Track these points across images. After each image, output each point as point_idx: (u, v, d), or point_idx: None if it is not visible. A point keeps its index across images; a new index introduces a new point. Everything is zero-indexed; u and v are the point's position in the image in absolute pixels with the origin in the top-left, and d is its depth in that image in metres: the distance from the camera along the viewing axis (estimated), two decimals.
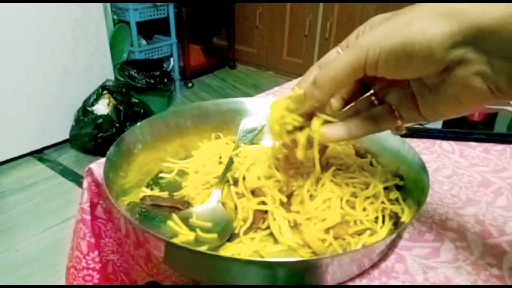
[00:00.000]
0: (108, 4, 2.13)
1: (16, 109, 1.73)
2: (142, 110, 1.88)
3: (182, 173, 0.45)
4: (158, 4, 2.25)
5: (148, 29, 2.43)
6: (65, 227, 1.46)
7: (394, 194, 0.39)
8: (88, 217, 0.46)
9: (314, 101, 0.31)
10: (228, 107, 0.52)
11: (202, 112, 0.51)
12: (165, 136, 0.47)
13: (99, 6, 1.89)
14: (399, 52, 0.25)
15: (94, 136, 1.79)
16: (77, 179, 1.72)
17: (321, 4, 2.51)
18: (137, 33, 2.23)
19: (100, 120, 1.80)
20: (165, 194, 0.42)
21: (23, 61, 1.70)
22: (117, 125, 1.81)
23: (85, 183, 0.46)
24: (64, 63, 1.84)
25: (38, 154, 1.88)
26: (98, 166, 0.45)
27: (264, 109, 0.52)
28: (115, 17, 2.22)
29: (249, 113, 0.52)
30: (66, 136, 1.91)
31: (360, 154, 0.44)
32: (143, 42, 2.38)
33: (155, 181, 0.44)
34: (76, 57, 1.87)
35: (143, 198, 0.40)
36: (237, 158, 0.43)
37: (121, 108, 1.83)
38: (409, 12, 0.26)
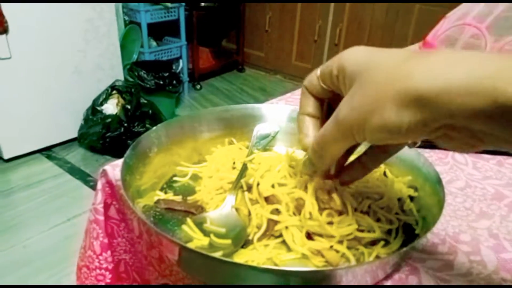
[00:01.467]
0: (120, 5, 2.15)
1: (26, 107, 1.75)
2: (150, 111, 1.89)
3: (195, 178, 0.45)
4: (169, 6, 2.27)
5: (159, 31, 2.46)
6: (72, 225, 1.47)
7: (408, 205, 0.39)
8: (101, 218, 0.46)
9: (315, 169, 0.34)
10: (241, 113, 0.52)
11: (216, 117, 0.51)
12: (180, 140, 0.47)
13: (111, 7, 1.91)
14: (382, 132, 0.25)
15: (102, 135, 1.81)
16: (84, 178, 1.73)
17: (331, 10, 2.51)
18: (147, 35, 2.24)
19: (109, 120, 1.82)
20: (178, 198, 0.42)
21: (35, 60, 1.72)
22: (125, 124, 1.82)
23: (99, 184, 0.46)
24: (75, 63, 1.86)
25: (47, 151, 1.90)
26: (112, 168, 0.46)
27: (278, 115, 0.52)
28: (126, 18, 2.24)
29: (263, 119, 0.52)
30: (74, 134, 1.93)
31: None
32: (153, 43, 2.40)
33: (169, 185, 0.45)
34: (87, 57, 1.89)
35: (157, 202, 0.41)
36: (251, 164, 0.44)
37: (129, 108, 1.84)
38: (373, 88, 0.25)
